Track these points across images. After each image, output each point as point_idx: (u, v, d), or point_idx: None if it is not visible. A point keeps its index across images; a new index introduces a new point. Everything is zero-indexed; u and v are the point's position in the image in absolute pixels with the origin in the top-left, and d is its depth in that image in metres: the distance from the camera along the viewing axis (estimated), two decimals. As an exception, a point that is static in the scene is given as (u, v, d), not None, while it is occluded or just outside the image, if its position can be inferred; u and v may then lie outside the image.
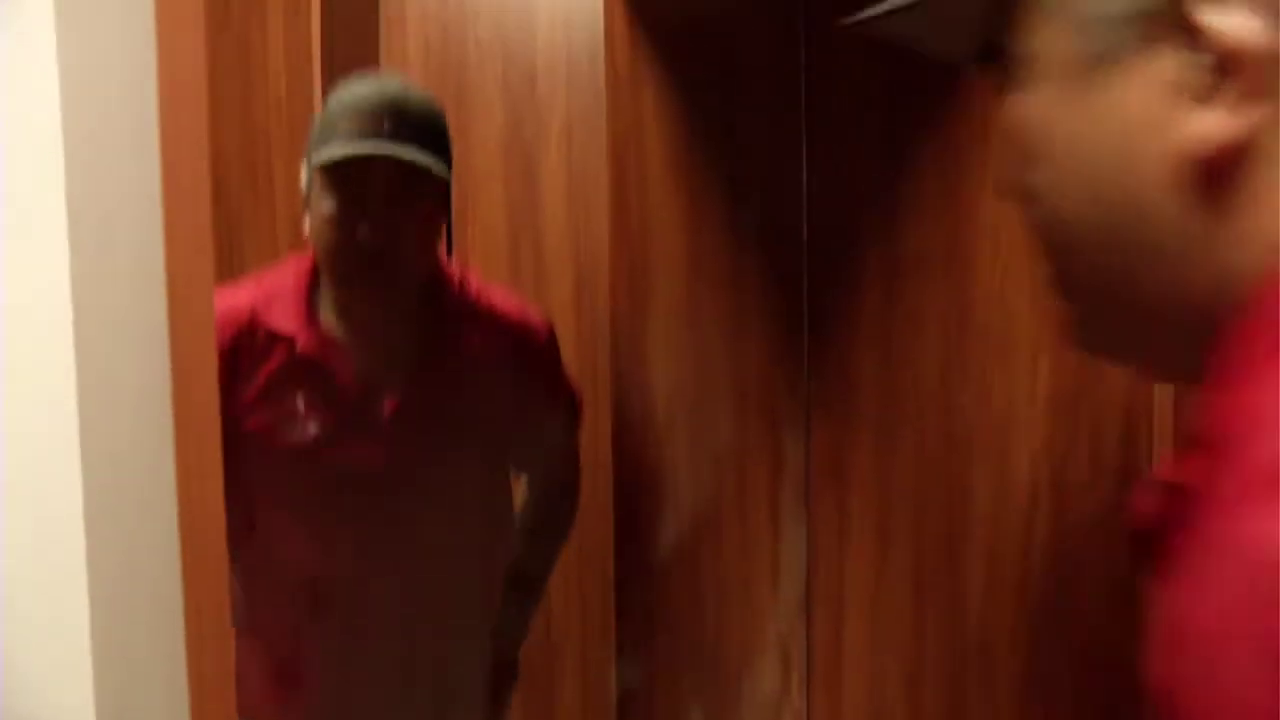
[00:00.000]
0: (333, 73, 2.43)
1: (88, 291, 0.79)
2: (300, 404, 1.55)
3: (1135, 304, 0.63)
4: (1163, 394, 1.49)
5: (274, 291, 1.58)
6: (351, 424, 1.56)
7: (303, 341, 1.54)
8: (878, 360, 1.79)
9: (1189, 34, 0.58)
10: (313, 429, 1.54)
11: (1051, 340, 1.59)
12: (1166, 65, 0.59)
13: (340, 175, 1.47)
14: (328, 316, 1.57)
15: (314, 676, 1.64)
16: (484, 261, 2.79)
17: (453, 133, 2.74)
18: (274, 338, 1.55)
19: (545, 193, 2.71)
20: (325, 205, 1.49)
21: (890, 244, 1.75)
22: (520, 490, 1.89)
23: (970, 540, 1.68)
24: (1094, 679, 1.57)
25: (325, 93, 2.39)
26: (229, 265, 2.26)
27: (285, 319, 1.55)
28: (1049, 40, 0.63)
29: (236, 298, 1.57)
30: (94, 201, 0.83)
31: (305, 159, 1.55)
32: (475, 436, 1.66)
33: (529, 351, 1.72)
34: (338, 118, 1.50)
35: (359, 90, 1.53)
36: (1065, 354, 1.58)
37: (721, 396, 1.96)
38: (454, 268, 1.73)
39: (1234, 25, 0.56)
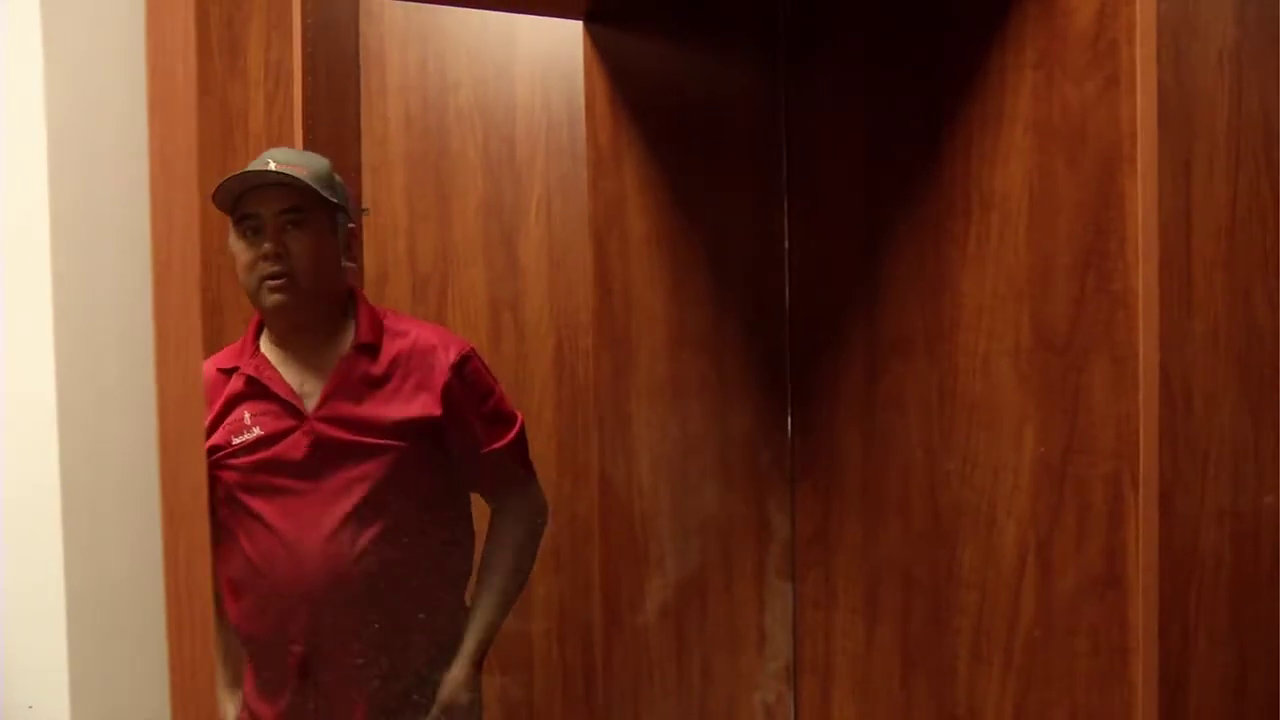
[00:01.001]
0: (315, 142, 2.44)
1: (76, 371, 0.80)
2: (246, 415, 1.84)
3: None
4: (1148, 460, 1.51)
5: (229, 348, 1.92)
6: (286, 424, 1.83)
7: (245, 366, 1.86)
8: (862, 431, 1.80)
9: None
10: (257, 430, 1.84)
11: (1036, 410, 1.61)
12: None
13: (237, 215, 1.81)
14: (267, 346, 1.88)
15: (286, 665, 1.85)
16: (465, 329, 2.80)
17: (434, 201, 2.78)
18: (224, 374, 1.87)
19: (526, 260, 2.73)
20: (234, 247, 1.82)
21: (872, 316, 1.76)
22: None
23: (957, 610, 1.68)
24: (1082, 747, 1.58)
25: None
26: (212, 341, 2.25)
27: (232, 357, 1.88)
28: None
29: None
30: (83, 284, 0.84)
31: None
32: (399, 443, 1.83)
33: (445, 367, 1.86)
34: (229, 181, 1.80)
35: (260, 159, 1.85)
36: (1050, 424, 1.59)
37: (706, 466, 1.96)
38: (370, 301, 1.94)
39: None
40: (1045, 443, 1.61)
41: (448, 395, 1.84)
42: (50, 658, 0.88)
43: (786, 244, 1.90)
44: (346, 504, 1.81)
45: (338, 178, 1.89)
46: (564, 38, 2.53)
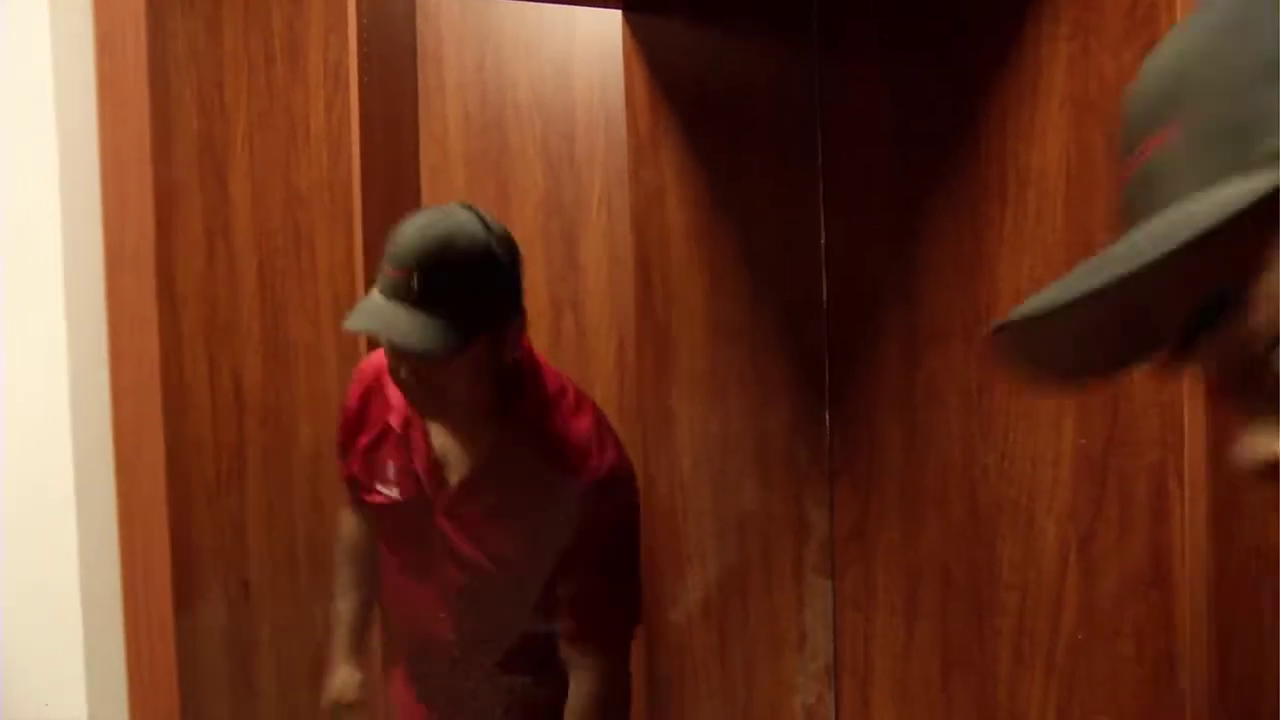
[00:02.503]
0: (372, 140, 2.45)
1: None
2: (391, 467, 1.80)
3: None
4: (1194, 451, 1.41)
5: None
6: (420, 499, 1.79)
7: (396, 420, 1.79)
8: (901, 424, 1.72)
9: None
10: (395, 492, 1.81)
11: (1075, 401, 1.51)
12: None
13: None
14: None
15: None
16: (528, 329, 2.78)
17: (493, 199, 2.76)
18: (384, 405, 1.81)
19: (586, 258, 2.69)
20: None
21: (909, 305, 1.69)
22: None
23: (998, 610, 1.60)
24: (1132, 754, 1.48)
25: (365, 159, 2.41)
26: (273, 335, 2.26)
27: (393, 393, 1.77)
28: None
29: (373, 359, 1.85)
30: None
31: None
32: (524, 550, 1.77)
33: (578, 492, 1.73)
34: (385, 260, 1.62)
35: (407, 233, 1.62)
36: (1090, 415, 1.50)
37: (745, 462, 1.91)
38: (541, 380, 1.79)
39: None
40: (1085, 434, 1.51)
41: (574, 523, 1.74)
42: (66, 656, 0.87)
43: (823, 234, 1.83)
44: (459, 580, 1.81)
45: (502, 258, 1.64)
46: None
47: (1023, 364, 0.74)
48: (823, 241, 1.83)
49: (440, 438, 1.79)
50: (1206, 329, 0.66)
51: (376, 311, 1.60)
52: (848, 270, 1.80)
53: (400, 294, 1.58)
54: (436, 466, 1.78)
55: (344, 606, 2.00)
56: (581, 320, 2.68)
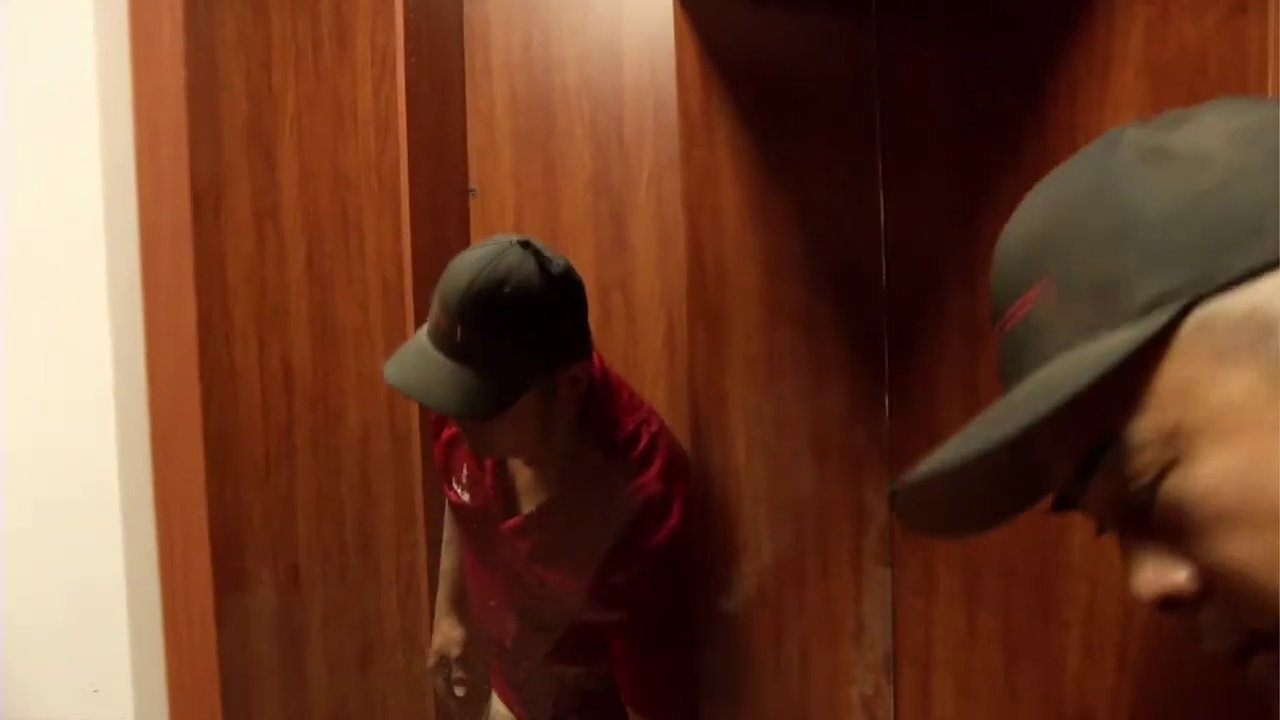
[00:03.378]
0: (419, 123, 2.41)
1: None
2: (464, 473, 1.81)
3: None
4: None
5: None
6: (485, 517, 1.79)
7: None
8: (963, 408, 1.65)
9: None
10: (466, 497, 1.82)
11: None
12: None
13: None
14: None
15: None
16: None
17: (541, 181, 2.71)
18: None
19: (635, 239, 2.64)
20: None
21: (972, 287, 1.62)
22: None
23: (1066, 601, 1.53)
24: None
25: (412, 142, 2.38)
26: (321, 318, 2.23)
27: None
28: (1237, 389, 0.62)
29: None
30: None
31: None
32: (582, 589, 1.74)
33: (629, 543, 1.71)
34: (435, 299, 1.54)
35: (456, 274, 1.51)
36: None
37: (802, 446, 1.86)
38: (614, 422, 1.73)
39: None
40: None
41: (620, 574, 1.72)
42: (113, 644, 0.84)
43: (881, 212, 1.77)
44: (518, 589, 1.83)
45: (557, 301, 1.54)
46: (671, 12, 2.44)
47: (919, 521, 0.79)
48: (882, 222, 1.77)
49: (513, 461, 1.77)
50: (1090, 475, 0.70)
51: (415, 362, 1.51)
52: (908, 251, 1.74)
53: (443, 343, 1.51)
54: (506, 489, 1.76)
55: (448, 562, 2.02)
56: (630, 301, 2.64)
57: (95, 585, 0.81)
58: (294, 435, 2.03)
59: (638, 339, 2.62)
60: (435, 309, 1.53)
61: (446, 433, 1.83)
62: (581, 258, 2.69)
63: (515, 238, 1.56)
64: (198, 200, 1.12)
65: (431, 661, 2.04)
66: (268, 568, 2.06)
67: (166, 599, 0.84)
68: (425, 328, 1.55)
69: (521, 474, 1.77)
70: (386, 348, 2.23)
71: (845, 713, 1.84)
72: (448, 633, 2.00)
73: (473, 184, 2.67)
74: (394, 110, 2.39)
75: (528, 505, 1.77)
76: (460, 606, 2.01)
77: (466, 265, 1.50)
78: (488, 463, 1.77)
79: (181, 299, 0.86)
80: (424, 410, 1.92)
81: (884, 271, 1.78)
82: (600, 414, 1.69)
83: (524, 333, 1.51)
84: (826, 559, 1.86)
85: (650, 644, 1.76)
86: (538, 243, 1.56)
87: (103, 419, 0.78)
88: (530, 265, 1.51)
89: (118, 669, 0.80)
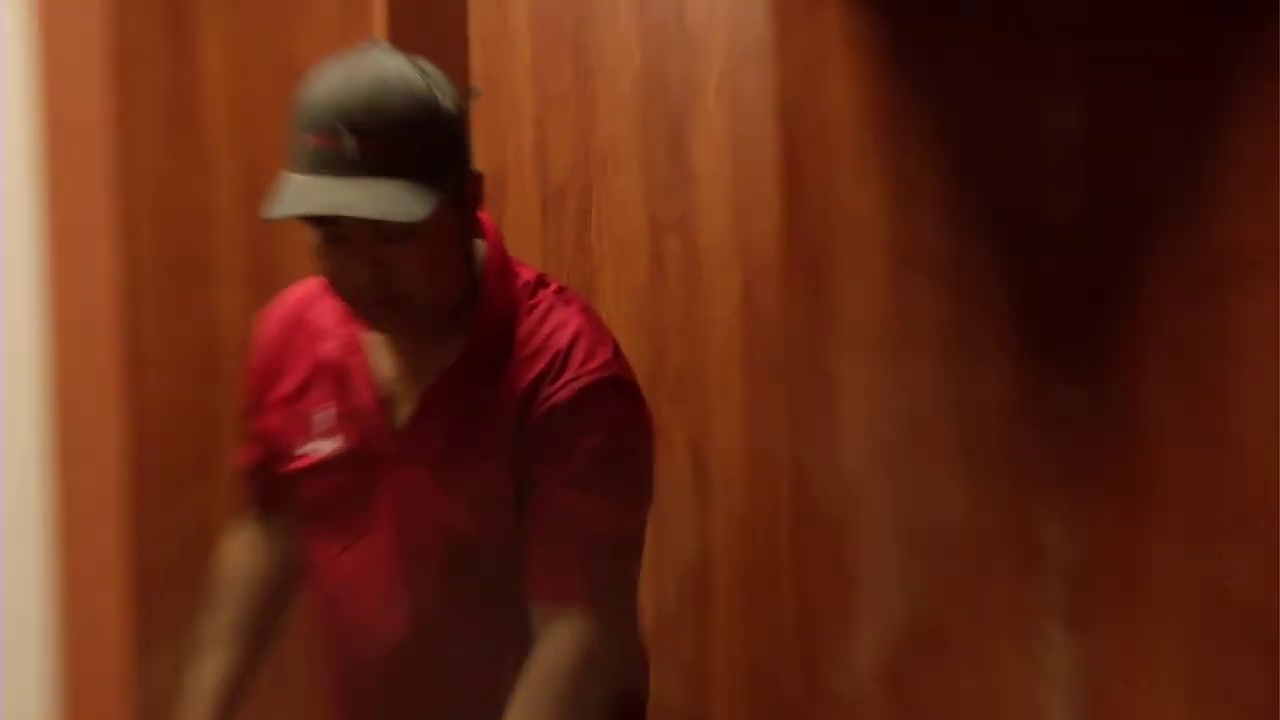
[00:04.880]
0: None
1: None
2: (324, 417, 1.90)
3: None
4: None
5: (308, 284, 1.96)
6: (368, 444, 1.88)
7: (333, 347, 1.89)
8: (1184, 399, 1.57)
9: None
10: (336, 445, 1.89)
11: None
12: None
13: (315, 223, 1.73)
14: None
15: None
16: (614, 263, 2.68)
17: (571, 81, 2.66)
18: (311, 338, 1.92)
19: (700, 164, 2.57)
20: (312, 240, 1.75)
21: (1197, 230, 1.54)
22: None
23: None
24: None
25: (393, 24, 2.37)
26: (260, 271, 2.21)
27: (324, 320, 1.91)
28: None
29: (289, 293, 2.00)
30: None
31: None
32: (501, 493, 1.85)
33: (564, 403, 1.82)
34: (297, 129, 1.71)
35: (323, 89, 1.72)
36: None
37: (943, 453, 1.81)
38: (511, 269, 1.92)
39: None
40: None
41: (523, 447, 1.84)
42: None
43: (1069, 123, 1.68)
44: (412, 564, 1.89)
45: (445, 103, 1.77)
46: None
47: None
48: (1068, 137, 1.70)
49: (387, 361, 1.88)
50: None
51: (308, 192, 1.67)
52: (1109, 180, 1.66)
53: (331, 165, 1.66)
54: (386, 397, 1.87)
55: (210, 668, 2.00)
56: (692, 248, 2.57)
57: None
58: (220, 430, 2.02)
59: (702, 299, 2.55)
60: (304, 136, 1.69)
61: (286, 386, 1.93)
62: (625, 187, 2.64)
63: (370, 43, 1.82)
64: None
65: None
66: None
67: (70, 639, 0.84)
68: (289, 168, 1.71)
69: (404, 374, 1.88)
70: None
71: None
72: None
73: (475, 83, 2.69)
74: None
75: (416, 400, 1.87)
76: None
77: (332, 76, 1.72)
78: (359, 372, 1.87)
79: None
80: (253, 376, 2.00)
81: (1067, 206, 1.70)
82: (499, 260, 1.89)
83: (423, 129, 1.72)
84: (980, 615, 1.81)
85: (589, 508, 1.84)
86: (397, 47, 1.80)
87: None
88: (400, 61, 1.74)
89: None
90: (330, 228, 1.71)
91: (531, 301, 1.88)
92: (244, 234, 2.09)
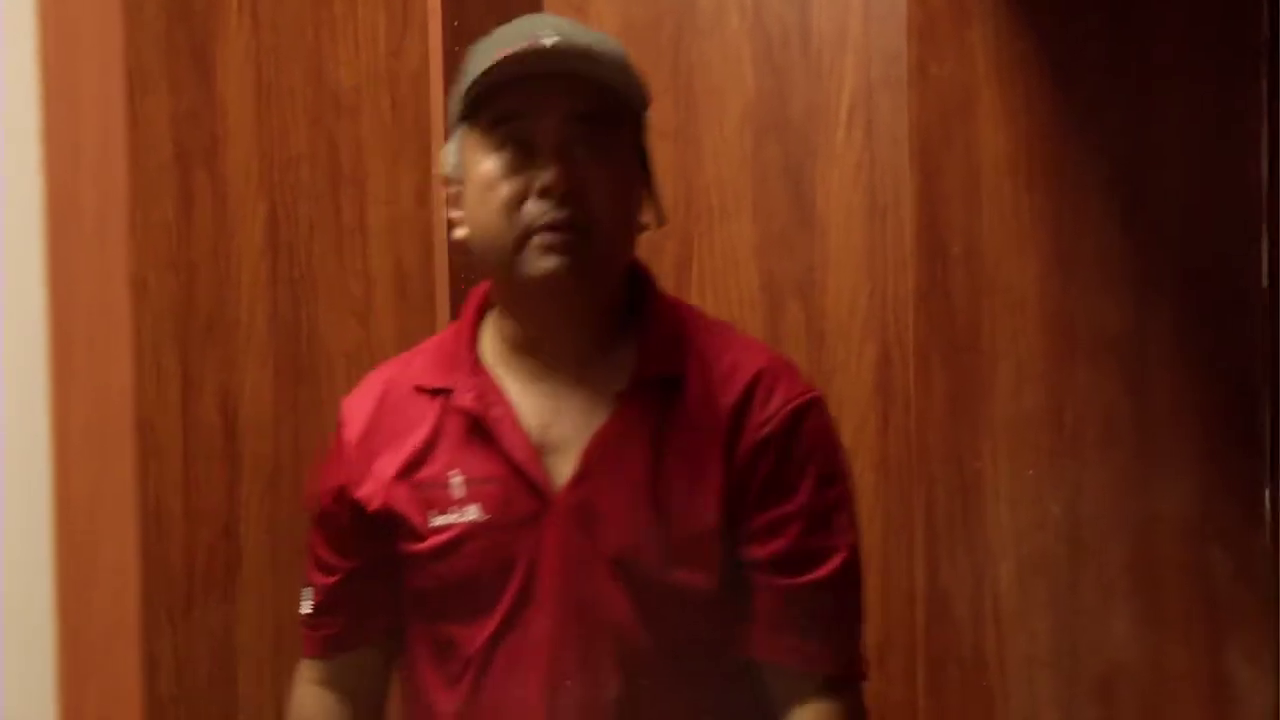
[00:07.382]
0: (463, 6, 2.46)
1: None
2: (457, 484, 1.81)
3: None
4: None
5: (428, 348, 1.94)
6: (518, 507, 1.79)
7: (462, 387, 1.82)
8: None
9: None
10: (472, 511, 1.81)
11: None
12: None
13: (489, 118, 1.72)
14: (494, 352, 1.86)
15: None
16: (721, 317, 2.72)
17: (670, 111, 2.70)
18: (426, 395, 1.86)
19: (827, 210, 2.60)
20: (487, 165, 1.74)
21: None
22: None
23: None
24: None
25: (448, 40, 2.40)
26: (288, 340, 2.26)
27: (439, 368, 1.87)
28: None
29: (378, 371, 1.96)
30: None
31: (448, 134, 1.83)
32: (686, 551, 1.77)
33: (766, 435, 1.77)
34: (479, 59, 1.71)
35: (498, 33, 1.74)
36: None
37: (1115, 571, 1.83)
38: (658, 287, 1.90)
39: None
40: None
41: (737, 483, 1.77)
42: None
43: (1264, 132, 1.71)
44: (593, 653, 1.79)
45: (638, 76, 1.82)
46: None
47: None
48: (1263, 139, 1.74)
49: (530, 405, 1.82)
50: None
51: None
52: None
53: (526, 61, 1.68)
54: (539, 446, 1.80)
55: None
56: (815, 314, 2.59)
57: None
58: (238, 530, 2.05)
59: (830, 374, 2.57)
60: (494, 52, 1.70)
61: (394, 463, 1.86)
62: (735, 237, 2.66)
63: None
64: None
65: None
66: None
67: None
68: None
69: (556, 417, 1.82)
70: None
71: None
72: None
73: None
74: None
75: (581, 445, 1.81)
76: None
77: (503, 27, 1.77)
78: (504, 420, 1.82)
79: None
80: (344, 463, 1.90)
81: (1267, 263, 1.74)
82: (646, 277, 1.88)
83: (621, 60, 1.76)
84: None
85: (843, 583, 1.80)
86: None
87: None
88: None
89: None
90: (513, 123, 1.72)
91: (700, 316, 1.89)
92: (267, 296, 2.08)
